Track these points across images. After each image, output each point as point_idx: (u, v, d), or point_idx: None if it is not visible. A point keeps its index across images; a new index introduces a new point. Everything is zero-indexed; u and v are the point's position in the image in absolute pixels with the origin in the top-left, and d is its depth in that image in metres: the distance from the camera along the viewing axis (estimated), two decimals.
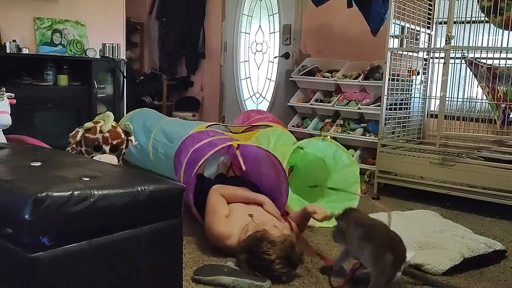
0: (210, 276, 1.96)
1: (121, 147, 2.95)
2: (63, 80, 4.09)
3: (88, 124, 2.90)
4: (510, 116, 3.33)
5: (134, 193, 1.39)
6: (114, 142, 2.90)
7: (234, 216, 2.31)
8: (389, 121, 3.49)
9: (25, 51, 3.87)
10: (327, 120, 4.33)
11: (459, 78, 3.60)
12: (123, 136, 2.96)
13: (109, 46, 4.30)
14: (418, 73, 3.76)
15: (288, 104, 4.57)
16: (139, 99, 5.58)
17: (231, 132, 3.32)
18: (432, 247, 2.28)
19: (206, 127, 3.26)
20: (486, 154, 3.17)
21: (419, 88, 3.85)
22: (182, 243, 1.57)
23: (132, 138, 3.02)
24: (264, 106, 5.40)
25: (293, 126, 4.46)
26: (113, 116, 3.02)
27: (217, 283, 1.93)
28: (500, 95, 3.30)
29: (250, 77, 5.61)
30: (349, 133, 4.06)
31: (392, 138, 3.54)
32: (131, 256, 1.40)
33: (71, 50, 4.14)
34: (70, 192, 1.25)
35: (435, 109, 3.72)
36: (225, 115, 5.72)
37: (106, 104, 4.31)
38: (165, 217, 1.48)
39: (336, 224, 1.94)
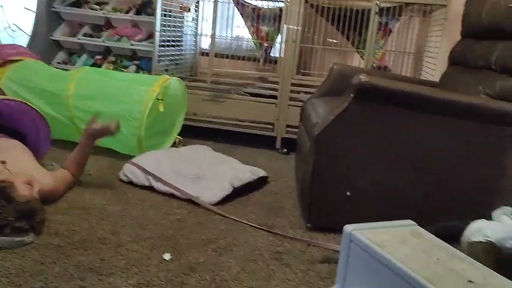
0: None
1: None
2: None
3: None
4: (270, 54, 3.66)
5: None
6: None
7: None
8: (162, 58, 3.45)
9: None
10: (97, 57, 4.05)
11: (227, 17, 3.74)
12: None
13: None
14: (189, 10, 3.77)
15: (52, 38, 4.10)
16: None
17: None
18: (207, 179, 2.39)
19: None
20: (251, 90, 3.43)
21: (191, 25, 3.88)
22: None
23: None
24: (23, 40, 4.73)
25: (58, 62, 4.04)
26: None
27: None
28: (263, 35, 3.57)
29: (2, 6, 4.80)
30: (122, 71, 3.88)
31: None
32: None
33: None
34: None
35: (207, 47, 3.83)
36: None
37: None
38: None
39: None
